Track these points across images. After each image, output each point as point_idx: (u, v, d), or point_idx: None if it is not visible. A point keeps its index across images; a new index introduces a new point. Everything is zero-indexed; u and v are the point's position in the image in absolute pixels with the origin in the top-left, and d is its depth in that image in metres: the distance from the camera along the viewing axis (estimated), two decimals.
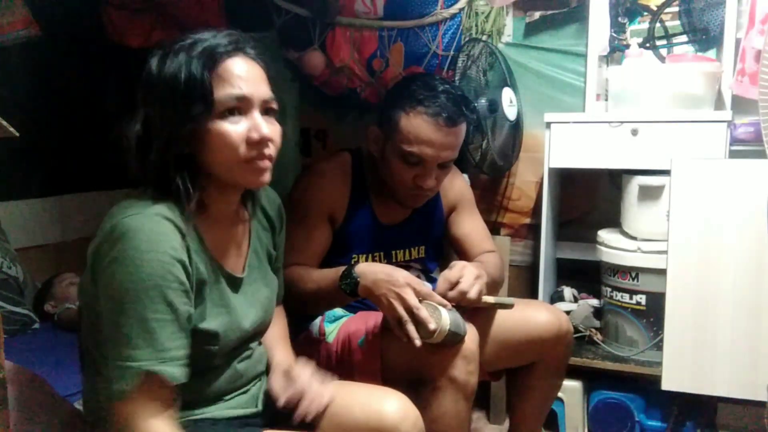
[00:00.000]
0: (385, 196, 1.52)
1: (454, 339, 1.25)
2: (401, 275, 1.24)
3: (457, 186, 1.66)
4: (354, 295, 1.28)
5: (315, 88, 2.48)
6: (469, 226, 1.64)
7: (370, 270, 1.27)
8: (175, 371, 0.90)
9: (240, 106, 0.97)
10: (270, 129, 0.99)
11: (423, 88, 1.38)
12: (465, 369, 1.25)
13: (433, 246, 1.64)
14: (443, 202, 1.63)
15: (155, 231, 0.91)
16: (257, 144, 0.97)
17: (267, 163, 1.00)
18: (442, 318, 1.22)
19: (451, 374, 1.25)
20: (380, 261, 1.53)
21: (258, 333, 1.14)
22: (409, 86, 1.40)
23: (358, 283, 1.26)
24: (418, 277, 1.58)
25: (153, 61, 0.97)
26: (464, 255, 1.62)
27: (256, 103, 0.98)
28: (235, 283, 1.07)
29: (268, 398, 1.14)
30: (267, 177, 1.02)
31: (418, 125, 1.36)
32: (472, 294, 1.30)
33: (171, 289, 0.90)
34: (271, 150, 1.00)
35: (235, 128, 0.96)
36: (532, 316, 1.46)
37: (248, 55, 1.00)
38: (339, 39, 2.27)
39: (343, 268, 1.30)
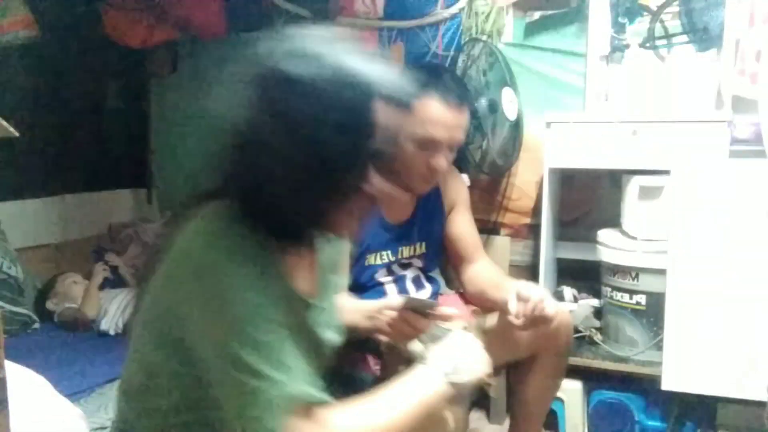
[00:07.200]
0: (390, 196, 1.53)
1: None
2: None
3: (458, 186, 1.68)
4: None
5: None
6: (463, 228, 1.65)
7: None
8: None
9: None
10: None
11: (429, 75, 1.45)
12: None
13: (434, 243, 1.64)
14: (444, 201, 1.64)
15: None
16: None
17: None
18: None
19: None
20: (388, 259, 1.54)
21: None
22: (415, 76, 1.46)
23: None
24: (417, 277, 1.58)
25: None
26: (456, 257, 1.63)
27: None
28: None
29: None
30: None
31: (431, 109, 1.39)
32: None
33: None
34: None
35: None
36: None
37: None
38: None
39: None
